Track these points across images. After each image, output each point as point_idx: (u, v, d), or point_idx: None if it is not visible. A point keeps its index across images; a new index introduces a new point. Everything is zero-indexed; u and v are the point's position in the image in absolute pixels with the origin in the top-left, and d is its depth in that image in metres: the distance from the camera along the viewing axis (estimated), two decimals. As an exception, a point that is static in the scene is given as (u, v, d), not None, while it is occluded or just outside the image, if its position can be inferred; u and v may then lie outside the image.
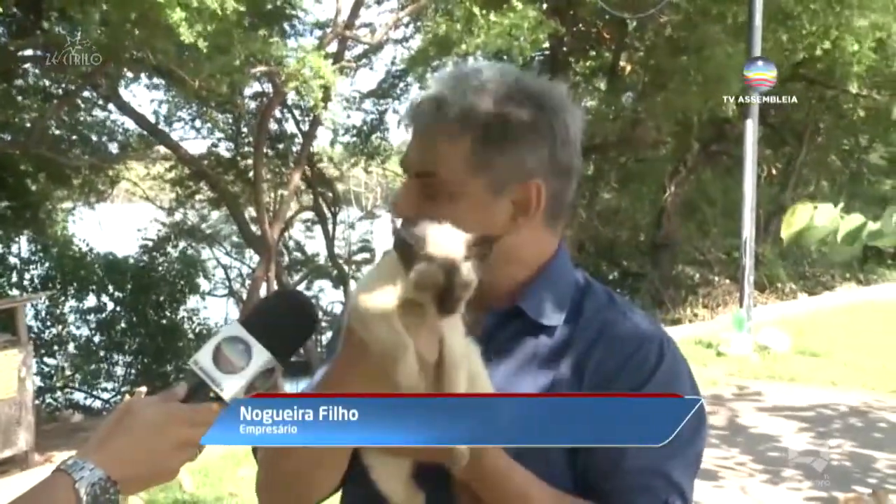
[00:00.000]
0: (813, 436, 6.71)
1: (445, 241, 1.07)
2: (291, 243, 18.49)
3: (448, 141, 1.21)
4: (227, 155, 16.70)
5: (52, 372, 14.08)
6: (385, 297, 1.07)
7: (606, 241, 18.64)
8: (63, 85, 13.31)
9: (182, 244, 16.70)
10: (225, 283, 18.49)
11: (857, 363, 9.00)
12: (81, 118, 15.06)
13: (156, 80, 14.22)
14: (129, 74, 13.43)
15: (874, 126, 17.38)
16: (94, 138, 15.26)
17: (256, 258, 15.37)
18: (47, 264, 14.28)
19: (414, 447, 1.12)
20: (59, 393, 14.06)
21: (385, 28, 14.24)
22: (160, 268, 15.29)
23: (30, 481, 0.99)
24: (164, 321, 14.66)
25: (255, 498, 1.31)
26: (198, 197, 17.33)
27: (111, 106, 14.71)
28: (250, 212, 15.21)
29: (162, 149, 15.86)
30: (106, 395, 14.13)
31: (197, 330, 15.06)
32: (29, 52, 12.79)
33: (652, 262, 17.23)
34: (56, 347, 14.14)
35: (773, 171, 18.71)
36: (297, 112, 15.91)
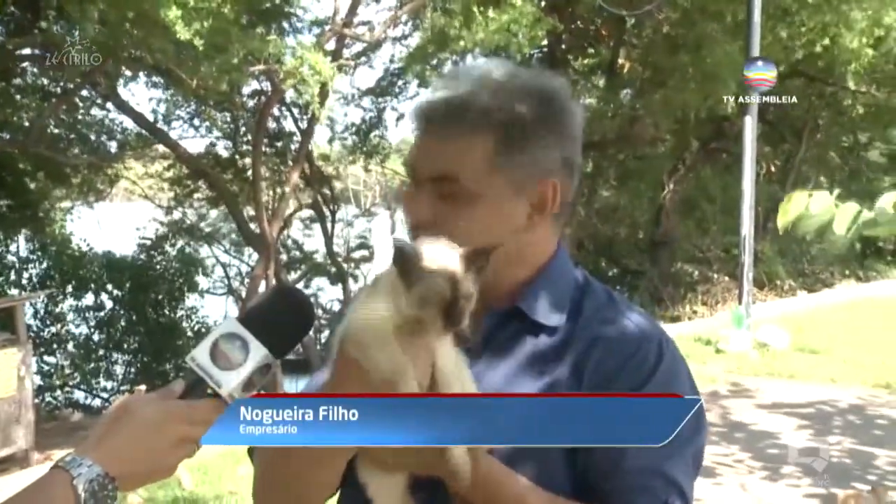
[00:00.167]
0: (812, 433, 6.71)
1: (444, 255, 1.07)
2: (290, 241, 18.48)
3: (469, 143, 1.20)
4: (226, 154, 16.70)
5: (52, 370, 14.07)
6: (383, 321, 1.07)
7: (605, 238, 18.65)
8: (62, 84, 13.30)
9: (181, 243, 16.70)
10: (224, 281, 18.49)
11: (856, 360, 9.00)
12: (80, 117, 15.04)
13: (154, 79, 14.21)
14: (128, 73, 13.42)
15: (873, 123, 17.39)
16: (93, 137, 15.25)
17: (255, 256, 15.37)
18: (46, 263, 14.28)
19: (414, 464, 1.12)
20: (58, 391, 14.06)
21: (383, 26, 14.22)
22: (159, 266, 15.29)
23: (29, 480, 0.99)
24: (163, 319, 14.66)
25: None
26: (196, 196, 17.33)
27: (110, 105, 14.71)
28: (249, 210, 15.21)
29: (161, 147, 15.86)
30: (105, 394, 14.12)
31: (196, 328, 15.05)
32: (27, 51, 12.79)
33: (651, 260, 17.24)
34: (55, 346, 14.14)
35: (773, 169, 18.72)
36: (295, 110, 15.90)
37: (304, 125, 15.58)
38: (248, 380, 1.03)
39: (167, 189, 17.78)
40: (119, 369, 14.53)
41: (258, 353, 1.04)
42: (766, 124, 16.57)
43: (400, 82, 16.28)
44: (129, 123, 15.19)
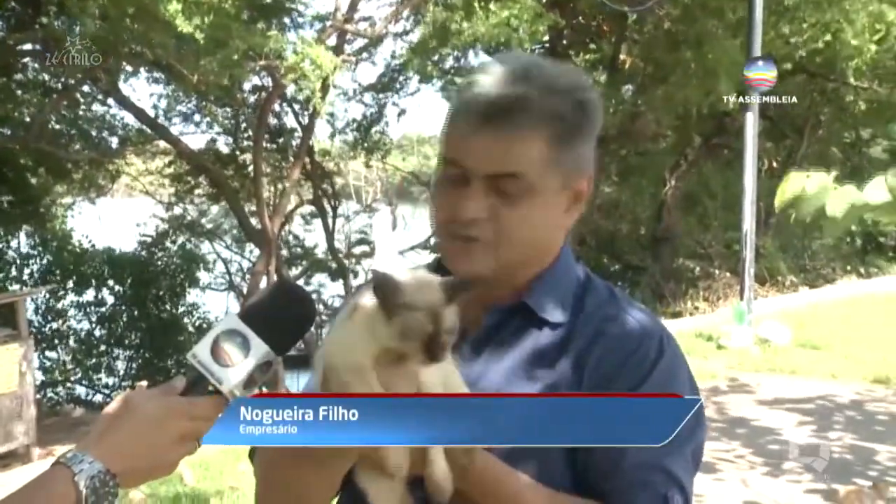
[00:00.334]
0: (813, 429, 6.71)
1: (426, 287, 1.06)
2: (291, 237, 18.48)
3: (531, 140, 1.21)
4: (227, 149, 16.69)
5: (53, 366, 14.10)
6: (361, 353, 1.06)
7: (607, 234, 18.62)
8: (62, 79, 13.29)
9: (182, 238, 16.70)
10: (225, 277, 18.50)
11: (857, 356, 8.99)
12: (81, 112, 15.04)
13: (155, 75, 14.21)
14: (129, 69, 13.41)
15: (875, 119, 17.33)
16: (94, 133, 15.25)
17: (256, 252, 15.38)
18: (47, 259, 14.30)
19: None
20: (60, 387, 14.08)
21: (384, 21, 14.21)
22: (160, 262, 15.31)
23: (31, 475, 0.99)
24: (165, 315, 14.68)
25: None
26: (197, 191, 17.33)
27: (111, 100, 14.70)
28: (250, 206, 15.21)
29: (162, 143, 15.86)
30: (107, 389, 14.14)
31: (197, 324, 15.07)
32: (28, 47, 12.78)
33: (652, 256, 17.23)
34: (57, 341, 14.17)
35: (774, 165, 18.68)
36: (296, 106, 15.89)
37: (304, 121, 15.57)
38: (249, 377, 1.03)
39: (168, 185, 17.78)
40: (120, 365, 14.55)
41: (259, 350, 1.04)
42: (768, 120, 16.53)
43: (401, 78, 16.26)
44: (130, 119, 15.22)
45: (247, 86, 14.95)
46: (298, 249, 18.58)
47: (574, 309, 1.28)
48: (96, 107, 15.40)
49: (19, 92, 13.84)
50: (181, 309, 15.14)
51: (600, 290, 1.31)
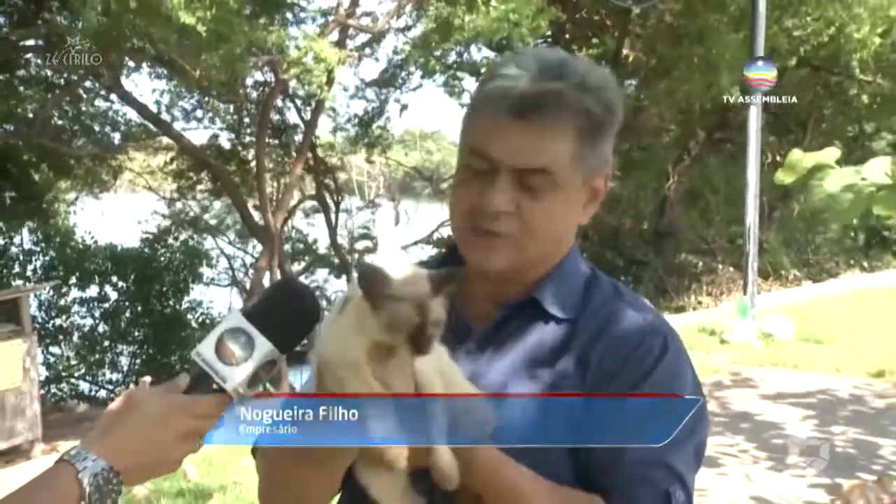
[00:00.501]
0: (817, 423, 6.71)
1: (413, 279, 1.06)
2: (294, 232, 18.49)
3: (563, 136, 1.21)
4: (229, 145, 16.69)
5: (57, 362, 14.12)
6: (353, 347, 1.06)
7: (610, 229, 18.59)
8: (65, 75, 13.29)
9: (185, 234, 16.71)
10: (228, 272, 18.52)
11: (860, 350, 8.99)
12: (84, 108, 15.03)
13: (158, 70, 14.20)
14: (131, 64, 13.41)
15: (879, 112, 17.29)
16: (97, 128, 15.25)
17: (259, 247, 15.39)
18: (50, 254, 14.31)
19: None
20: (63, 383, 14.10)
21: (387, 16, 14.19)
22: (163, 258, 15.31)
23: (34, 471, 1.00)
24: (168, 311, 14.69)
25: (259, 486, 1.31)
26: (200, 187, 17.34)
27: (113, 96, 14.69)
28: (253, 201, 15.21)
29: (164, 139, 15.86)
30: (110, 385, 14.17)
31: (200, 319, 15.08)
32: (31, 42, 12.78)
33: (655, 251, 17.22)
34: (60, 337, 14.18)
35: (777, 158, 18.61)
36: (298, 101, 15.88)
37: (307, 116, 15.57)
38: (253, 375, 1.03)
39: (171, 181, 17.79)
40: (124, 360, 14.56)
41: (263, 348, 1.04)
42: (771, 114, 16.50)
43: (403, 73, 16.24)
44: (132, 115, 15.21)
45: (249, 81, 14.94)
46: (301, 245, 18.60)
47: (580, 305, 1.28)
48: (99, 102, 15.40)
49: (22, 88, 13.84)
50: (184, 305, 15.14)
51: (605, 286, 1.32)
